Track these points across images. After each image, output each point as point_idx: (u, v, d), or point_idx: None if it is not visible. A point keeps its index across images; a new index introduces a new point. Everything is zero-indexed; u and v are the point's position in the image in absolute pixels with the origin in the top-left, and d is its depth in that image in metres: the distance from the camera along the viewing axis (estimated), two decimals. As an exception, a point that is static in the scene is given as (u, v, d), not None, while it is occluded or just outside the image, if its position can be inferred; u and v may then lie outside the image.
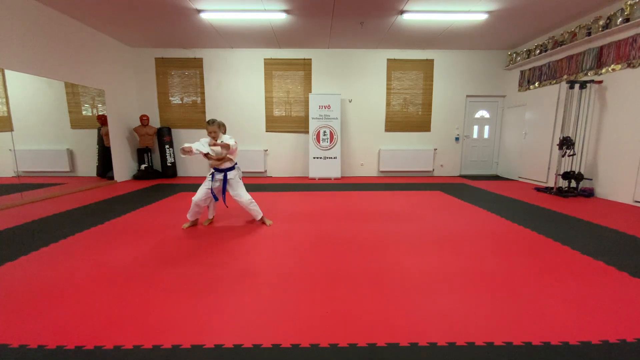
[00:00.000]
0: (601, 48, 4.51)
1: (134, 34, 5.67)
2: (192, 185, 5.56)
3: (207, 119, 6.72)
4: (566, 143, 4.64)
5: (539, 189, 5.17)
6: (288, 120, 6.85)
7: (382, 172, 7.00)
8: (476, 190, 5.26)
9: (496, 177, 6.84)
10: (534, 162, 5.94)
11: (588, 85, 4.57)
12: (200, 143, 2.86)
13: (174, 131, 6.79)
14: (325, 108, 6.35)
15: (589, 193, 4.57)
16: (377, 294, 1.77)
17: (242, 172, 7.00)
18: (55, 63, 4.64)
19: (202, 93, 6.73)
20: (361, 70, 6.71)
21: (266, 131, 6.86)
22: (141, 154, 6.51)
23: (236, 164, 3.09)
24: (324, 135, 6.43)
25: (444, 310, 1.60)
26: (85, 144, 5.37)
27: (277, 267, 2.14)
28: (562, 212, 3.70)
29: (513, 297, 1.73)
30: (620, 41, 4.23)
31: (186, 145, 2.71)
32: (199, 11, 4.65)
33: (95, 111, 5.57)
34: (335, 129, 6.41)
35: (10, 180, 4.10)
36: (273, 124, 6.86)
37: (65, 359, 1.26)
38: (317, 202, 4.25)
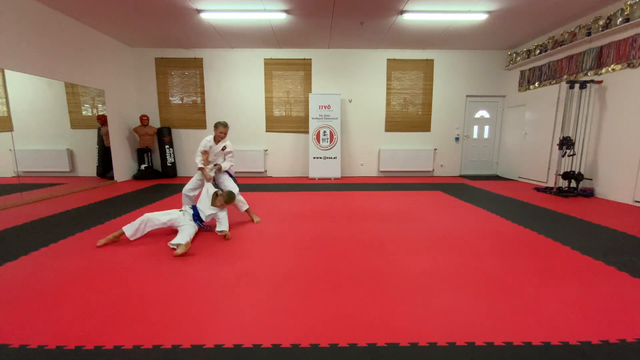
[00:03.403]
0: (601, 48, 4.51)
1: (134, 34, 5.67)
2: (192, 185, 5.56)
3: (206, 118, 6.76)
4: (566, 143, 4.64)
5: (539, 189, 5.17)
6: (288, 120, 6.85)
7: (382, 172, 7.00)
8: (476, 190, 5.26)
9: (496, 177, 6.84)
10: (534, 162, 5.94)
11: (588, 85, 4.57)
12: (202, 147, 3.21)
13: (174, 131, 6.79)
14: (325, 108, 6.35)
15: (589, 193, 4.57)
16: (377, 294, 1.77)
17: (242, 173, 6.99)
18: (55, 63, 4.64)
19: (202, 93, 6.72)
20: (361, 70, 6.71)
21: (266, 131, 6.86)
22: (141, 154, 6.51)
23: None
24: (324, 135, 6.42)
25: (444, 310, 1.60)
26: (85, 144, 5.37)
27: (277, 267, 2.14)
28: (562, 212, 3.70)
29: (513, 297, 1.73)
30: (620, 41, 4.22)
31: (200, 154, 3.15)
32: (199, 11, 4.65)
33: (95, 111, 5.57)
34: (335, 129, 6.41)
35: (10, 180, 4.10)
36: (273, 124, 6.85)
37: (65, 359, 1.26)
38: (317, 202, 4.24)
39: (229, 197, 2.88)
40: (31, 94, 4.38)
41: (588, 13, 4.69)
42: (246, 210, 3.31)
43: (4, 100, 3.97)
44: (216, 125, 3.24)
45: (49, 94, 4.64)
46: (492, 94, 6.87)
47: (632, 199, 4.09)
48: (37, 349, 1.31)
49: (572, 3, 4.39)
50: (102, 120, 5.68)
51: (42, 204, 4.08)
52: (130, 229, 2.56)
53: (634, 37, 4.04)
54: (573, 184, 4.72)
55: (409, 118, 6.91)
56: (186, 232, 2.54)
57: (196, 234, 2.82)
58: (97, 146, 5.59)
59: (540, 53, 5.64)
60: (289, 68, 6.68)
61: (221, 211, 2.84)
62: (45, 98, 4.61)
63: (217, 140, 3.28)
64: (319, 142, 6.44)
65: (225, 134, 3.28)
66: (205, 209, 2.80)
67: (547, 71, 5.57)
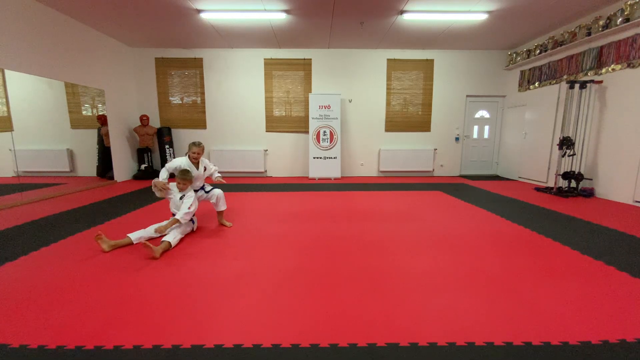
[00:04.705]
0: (601, 48, 4.51)
1: (134, 34, 5.67)
2: (192, 185, 5.55)
3: (206, 118, 6.76)
4: (566, 143, 4.64)
5: (539, 189, 5.17)
6: (288, 120, 6.85)
7: (382, 172, 7.00)
8: (476, 190, 5.26)
9: (496, 177, 6.84)
10: (534, 162, 5.94)
11: (588, 85, 4.57)
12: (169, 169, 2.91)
13: (174, 131, 6.79)
14: (325, 108, 6.35)
15: (589, 193, 4.57)
16: (377, 294, 1.77)
17: (241, 173, 7.01)
18: (55, 63, 4.64)
19: (202, 93, 6.72)
20: (361, 70, 6.70)
21: (266, 131, 6.86)
22: (141, 154, 6.51)
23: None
24: (324, 135, 6.42)
25: (444, 310, 1.60)
26: (85, 144, 5.36)
27: (277, 267, 2.14)
28: (562, 212, 3.70)
29: (513, 297, 1.73)
30: (620, 41, 4.22)
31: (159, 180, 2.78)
32: (199, 11, 4.64)
33: (95, 111, 5.57)
34: (335, 129, 6.40)
35: (10, 180, 4.10)
36: (273, 124, 6.85)
37: (65, 359, 1.26)
38: (317, 202, 4.24)
39: (181, 173, 2.78)
40: (31, 94, 4.38)
41: (588, 13, 4.69)
42: (220, 211, 3.09)
43: (4, 100, 3.97)
44: (189, 146, 2.90)
45: (49, 94, 4.64)
46: (492, 94, 6.87)
47: (632, 199, 4.09)
48: (37, 349, 1.31)
49: (572, 3, 4.39)
50: (102, 120, 5.68)
51: (42, 204, 4.08)
52: (135, 235, 2.59)
53: (634, 37, 4.04)
54: (573, 184, 4.72)
55: (409, 118, 6.91)
56: (172, 232, 2.58)
57: (189, 234, 2.84)
58: (97, 146, 5.59)
59: (540, 53, 5.64)
60: (289, 68, 6.67)
61: (187, 193, 2.78)
62: (45, 98, 4.61)
63: (193, 162, 2.92)
64: (319, 142, 6.44)
65: (199, 153, 2.89)
66: (177, 203, 2.78)
67: (547, 71, 5.57)
